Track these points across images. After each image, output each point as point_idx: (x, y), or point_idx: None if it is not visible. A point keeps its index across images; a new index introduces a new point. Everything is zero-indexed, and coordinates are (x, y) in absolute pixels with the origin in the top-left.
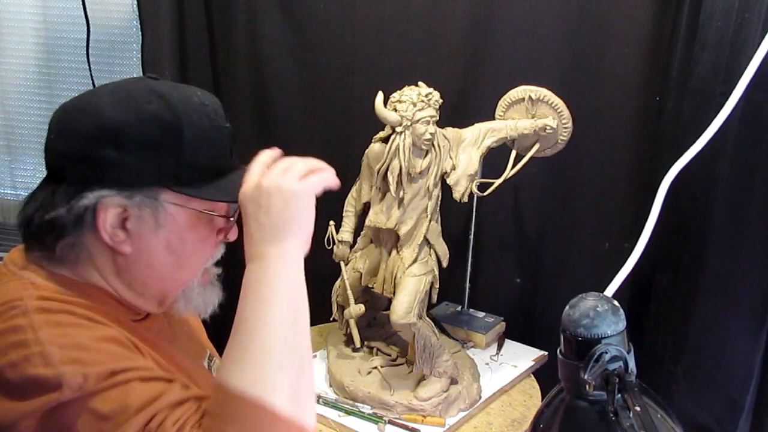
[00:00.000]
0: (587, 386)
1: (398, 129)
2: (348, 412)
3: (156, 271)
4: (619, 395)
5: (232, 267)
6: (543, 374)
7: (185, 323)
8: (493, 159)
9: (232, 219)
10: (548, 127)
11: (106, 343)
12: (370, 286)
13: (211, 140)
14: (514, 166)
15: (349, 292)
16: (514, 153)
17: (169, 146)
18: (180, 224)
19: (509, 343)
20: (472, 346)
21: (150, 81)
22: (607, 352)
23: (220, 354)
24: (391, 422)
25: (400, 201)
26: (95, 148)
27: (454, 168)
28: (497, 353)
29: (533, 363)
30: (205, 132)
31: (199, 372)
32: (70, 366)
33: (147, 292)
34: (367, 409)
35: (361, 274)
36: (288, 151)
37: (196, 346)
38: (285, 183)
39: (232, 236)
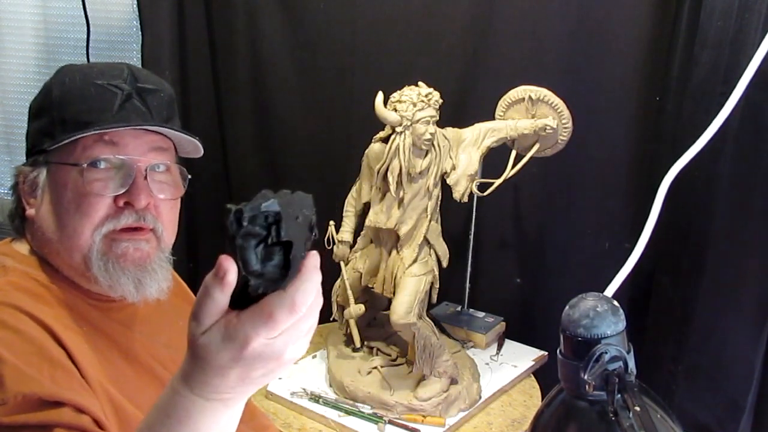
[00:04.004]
0: (587, 386)
1: (398, 129)
2: (348, 412)
3: (45, 234)
4: (619, 395)
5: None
6: (543, 374)
7: (173, 318)
8: (493, 159)
9: (84, 164)
10: (548, 127)
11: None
12: (370, 286)
13: (82, 96)
14: (514, 166)
15: (349, 292)
16: (514, 153)
17: (43, 108)
18: (56, 183)
19: (509, 343)
20: (472, 346)
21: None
22: (607, 352)
23: None
24: (391, 422)
25: (400, 201)
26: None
27: (454, 168)
28: (497, 353)
29: (533, 363)
30: (76, 89)
31: (167, 363)
32: None
33: (54, 260)
34: (367, 409)
35: (361, 274)
36: (288, 150)
37: (182, 342)
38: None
39: (136, 201)
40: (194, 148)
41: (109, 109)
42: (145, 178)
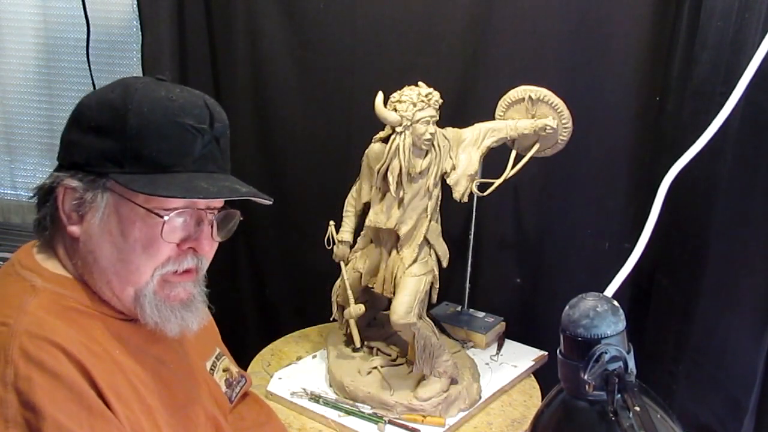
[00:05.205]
0: (587, 386)
1: (398, 129)
2: (348, 412)
3: (98, 261)
4: (619, 395)
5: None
6: (543, 374)
7: None
8: (493, 159)
9: (165, 218)
10: (548, 127)
11: (69, 406)
12: (370, 286)
13: (162, 133)
14: (514, 166)
15: (349, 292)
16: (514, 153)
17: (112, 130)
18: (121, 215)
19: (509, 343)
20: (472, 346)
21: (145, 78)
22: (606, 352)
23: (230, 351)
24: (391, 422)
25: (400, 201)
26: (67, 130)
27: (454, 168)
28: (497, 353)
29: (533, 363)
30: (157, 124)
31: (198, 376)
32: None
33: (97, 284)
34: (367, 409)
35: (361, 274)
36: (288, 150)
37: (205, 345)
38: None
39: (201, 248)
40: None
41: (190, 154)
42: (210, 224)
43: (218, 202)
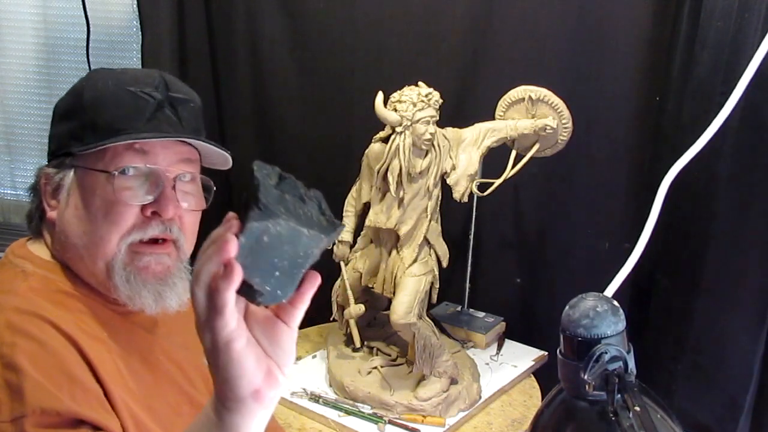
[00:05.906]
0: (587, 386)
1: (398, 129)
2: (348, 412)
3: (69, 238)
4: (619, 395)
5: None
6: (543, 374)
7: (190, 319)
8: (493, 159)
9: (115, 172)
10: (548, 127)
11: (51, 374)
12: (370, 286)
13: (114, 102)
14: (514, 166)
15: (349, 292)
16: (514, 153)
17: (73, 110)
18: (84, 188)
19: (509, 343)
20: (472, 346)
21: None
22: (606, 352)
23: None
24: (391, 422)
25: (400, 201)
26: (50, 127)
27: (454, 168)
28: (497, 353)
29: (533, 363)
30: (108, 94)
31: (199, 369)
32: None
33: (76, 265)
34: (367, 409)
35: (361, 274)
36: (288, 151)
37: (198, 343)
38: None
39: (164, 211)
40: (223, 160)
41: (141, 117)
42: (173, 188)
43: (183, 166)
